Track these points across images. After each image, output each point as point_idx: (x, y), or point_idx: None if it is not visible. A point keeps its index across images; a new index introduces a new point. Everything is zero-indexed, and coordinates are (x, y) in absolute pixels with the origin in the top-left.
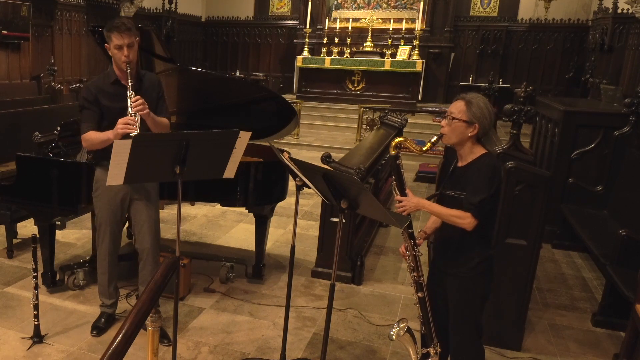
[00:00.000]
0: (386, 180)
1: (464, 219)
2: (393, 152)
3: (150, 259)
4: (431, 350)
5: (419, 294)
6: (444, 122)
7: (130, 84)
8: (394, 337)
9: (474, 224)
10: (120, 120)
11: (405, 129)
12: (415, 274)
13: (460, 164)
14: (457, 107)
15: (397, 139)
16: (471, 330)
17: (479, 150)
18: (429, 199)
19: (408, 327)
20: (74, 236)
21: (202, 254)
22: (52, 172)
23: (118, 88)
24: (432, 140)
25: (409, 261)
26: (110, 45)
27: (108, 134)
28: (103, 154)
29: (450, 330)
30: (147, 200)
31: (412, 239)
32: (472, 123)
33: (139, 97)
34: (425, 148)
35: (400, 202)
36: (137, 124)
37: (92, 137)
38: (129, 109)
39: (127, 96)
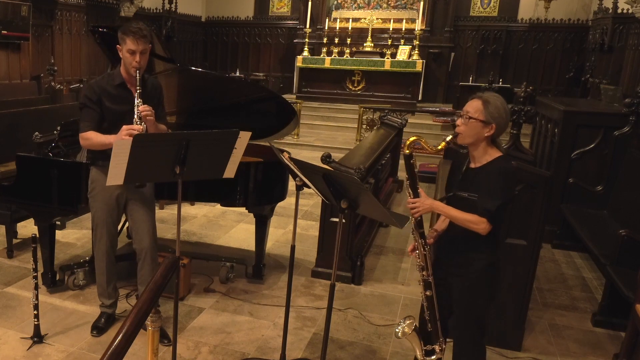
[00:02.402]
0: (386, 180)
1: (479, 225)
2: (407, 152)
3: (149, 258)
4: (436, 347)
5: (427, 293)
6: (459, 121)
7: (138, 90)
8: (399, 334)
9: (489, 230)
10: (125, 128)
11: (405, 129)
12: (424, 272)
13: (473, 165)
14: (474, 107)
15: (412, 138)
16: (474, 331)
17: (494, 152)
18: (440, 200)
19: (415, 325)
20: (74, 236)
21: (202, 254)
22: (52, 172)
23: (122, 91)
24: (447, 139)
25: (418, 260)
26: (122, 47)
27: (110, 139)
28: (99, 154)
29: (454, 330)
30: (144, 200)
31: (423, 238)
32: (489, 123)
33: (147, 106)
34: (439, 147)
35: (413, 203)
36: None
37: (92, 137)
38: (135, 114)
39: (131, 100)
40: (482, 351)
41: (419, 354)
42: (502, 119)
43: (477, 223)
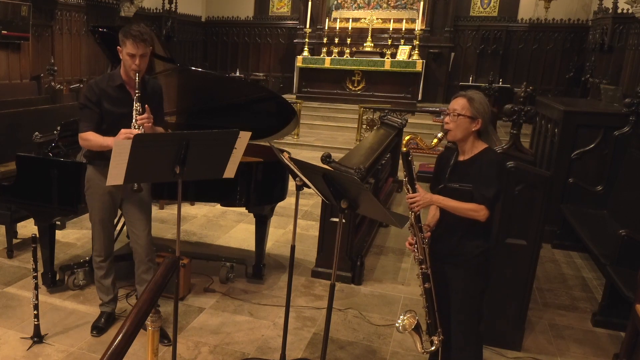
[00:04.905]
0: (386, 180)
1: (479, 212)
2: (404, 149)
3: (144, 257)
4: (435, 338)
5: (426, 285)
6: (447, 119)
7: (137, 94)
8: (400, 328)
9: (487, 216)
10: (123, 131)
11: (405, 129)
12: (423, 266)
13: (461, 158)
14: (460, 104)
15: (407, 137)
16: (474, 318)
17: (480, 145)
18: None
19: (417, 318)
20: (74, 236)
21: (202, 254)
22: (52, 172)
23: (122, 92)
24: (439, 136)
25: (416, 254)
26: (122, 49)
27: (108, 141)
28: (96, 154)
29: (456, 317)
30: (139, 199)
31: (422, 232)
32: (476, 118)
33: (147, 107)
34: (433, 144)
35: (412, 197)
36: None
37: (91, 138)
38: (134, 120)
39: (130, 102)
40: (480, 337)
41: (418, 346)
42: (486, 113)
43: (477, 210)
